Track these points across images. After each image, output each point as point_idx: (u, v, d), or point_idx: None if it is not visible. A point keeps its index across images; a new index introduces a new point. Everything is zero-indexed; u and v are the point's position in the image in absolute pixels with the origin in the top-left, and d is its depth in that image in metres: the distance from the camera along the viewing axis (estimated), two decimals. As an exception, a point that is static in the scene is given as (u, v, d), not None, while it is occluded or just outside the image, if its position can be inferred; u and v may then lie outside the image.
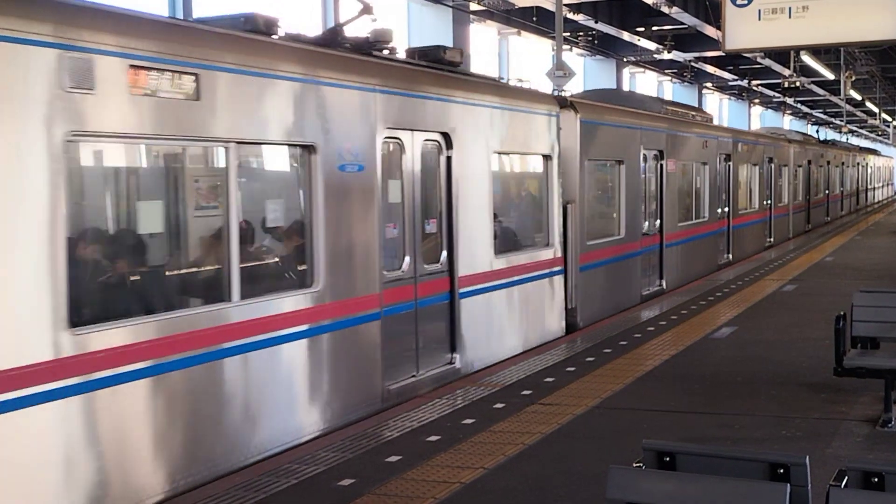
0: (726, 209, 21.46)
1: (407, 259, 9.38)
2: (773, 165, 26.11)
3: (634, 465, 3.86)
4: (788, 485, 3.47)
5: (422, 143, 9.63)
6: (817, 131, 46.02)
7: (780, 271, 19.23)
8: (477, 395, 9.03)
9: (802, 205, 31.03)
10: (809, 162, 31.78)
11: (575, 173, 13.11)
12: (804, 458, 3.63)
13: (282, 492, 6.41)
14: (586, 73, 32.14)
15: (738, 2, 10.96)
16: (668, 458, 3.80)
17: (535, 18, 23.69)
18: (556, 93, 13.38)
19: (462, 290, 10.20)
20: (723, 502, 3.51)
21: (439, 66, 10.50)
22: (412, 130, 9.46)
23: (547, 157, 12.33)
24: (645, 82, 39.17)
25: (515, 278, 11.44)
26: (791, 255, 22.70)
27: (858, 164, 46.56)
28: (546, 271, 12.26)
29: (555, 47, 16.65)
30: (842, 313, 8.09)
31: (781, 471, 3.62)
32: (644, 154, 15.96)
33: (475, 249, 10.52)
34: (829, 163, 36.26)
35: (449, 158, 10.02)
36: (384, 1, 22.30)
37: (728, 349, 11.16)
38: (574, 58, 30.50)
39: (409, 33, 21.88)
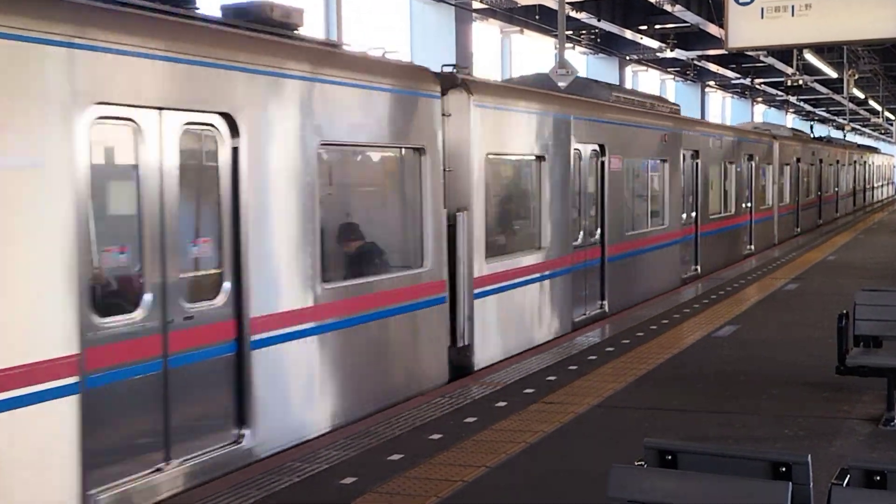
0: (693, 214, 18.99)
1: (147, 298, 6.41)
2: (753, 164, 23.74)
3: (636, 463, 3.86)
4: (790, 483, 3.48)
5: (181, 129, 6.71)
6: (811, 127, 45.24)
7: (782, 270, 19.21)
8: (479, 394, 9.03)
9: (790, 207, 28.76)
10: (798, 160, 29.71)
11: (469, 172, 10.34)
12: (806, 457, 3.63)
13: (284, 489, 6.42)
14: (589, 71, 32.14)
15: (741, 0, 10.95)
16: (669, 457, 3.80)
17: (537, 17, 23.68)
18: (445, 69, 10.72)
19: (259, 337, 7.26)
20: (724, 501, 3.51)
21: (256, 28, 7.81)
22: (160, 109, 6.53)
23: (420, 151, 9.54)
24: (647, 80, 39.19)
25: (356, 315, 8.50)
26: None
27: (855, 162, 44.81)
28: (415, 301, 9.39)
29: (557, 46, 16.64)
30: (844, 312, 8.09)
31: (783, 469, 3.62)
32: (577, 149, 13.24)
33: (285, 279, 7.64)
34: (821, 161, 34.31)
35: (235, 151, 7.12)
36: (387, 0, 22.34)
37: (730, 348, 11.16)
38: (577, 56, 30.52)
39: (412, 32, 21.89)
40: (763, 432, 7.68)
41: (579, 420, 8.09)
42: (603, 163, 14.21)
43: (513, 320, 11.51)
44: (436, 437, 7.59)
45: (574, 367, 10.10)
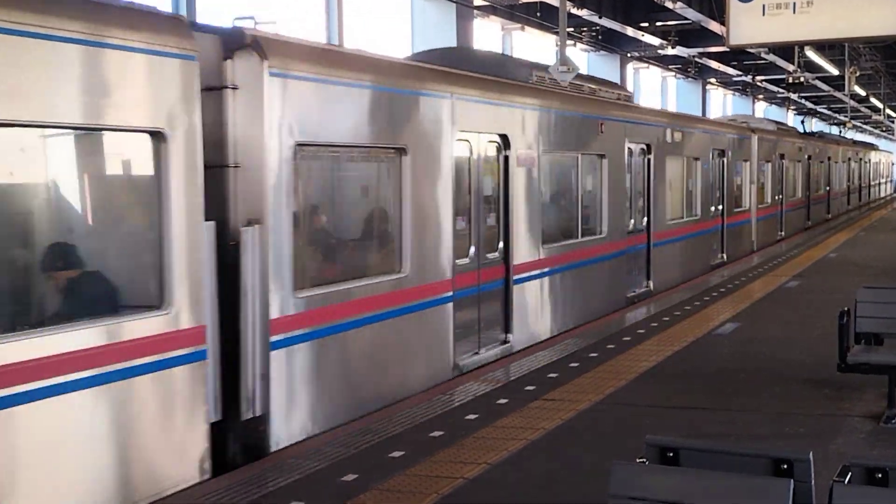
0: (645, 220, 16.13)
1: None
2: (725, 160, 20.92)
3: (638, 460, 3.86)
4: (792, 480, 3.48)
5: None
6: (802, 122, 44.42)
7: (784, 267, 19.21)
8: (480, 391, 9.03)
9: (773, 209, 26.05)
10: (782, 156, 26.98)
11: (266, 169, 7.38)
12: (808, 454, 3.63)
13: (285, 486, 6.42)
14: (590, 68, 32.14)
15: (743, -3, 10.95)
16: (671, 454, 3.80)
17: (538, 14, 23.66)
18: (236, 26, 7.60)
19: None
20: (726, 498, 3.51)
21: None
22: None
23: (158, 137, 6.49)
24: (649, 78, 39.22)
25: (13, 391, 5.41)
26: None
27: (850, 159, 42.33)
28: (144, 362, 6.27)
29: (558, 43, 16.63)
30: (845, 309, 8.09)
31: (785, 466, 3.62)
32: (464, 140, 10.34)
33: None
34: (810, 158, 31.64)
35: None
36: (388, -4, 22.33)
37: (731, 345, 11.16)
38: (578, 53, 30.50)
39: (413, 29, 21.88)
40: (764, 430, 7.68)
41: (580, 417, 8.09)
42: (507, 158, 11.23)
43: (346, 374, 8.35)
44: (437, 434, 7.59)
45: (575, 365, 10.10)
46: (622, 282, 15.01)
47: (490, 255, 11.00)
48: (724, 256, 20.99)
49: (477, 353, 10.64)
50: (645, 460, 3.84)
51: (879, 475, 3.52)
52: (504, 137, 11.21)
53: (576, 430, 7.72)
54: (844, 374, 8.15)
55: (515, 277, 11.37)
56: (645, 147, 16.05)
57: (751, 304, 14.31)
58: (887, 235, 27.60)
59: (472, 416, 8.10)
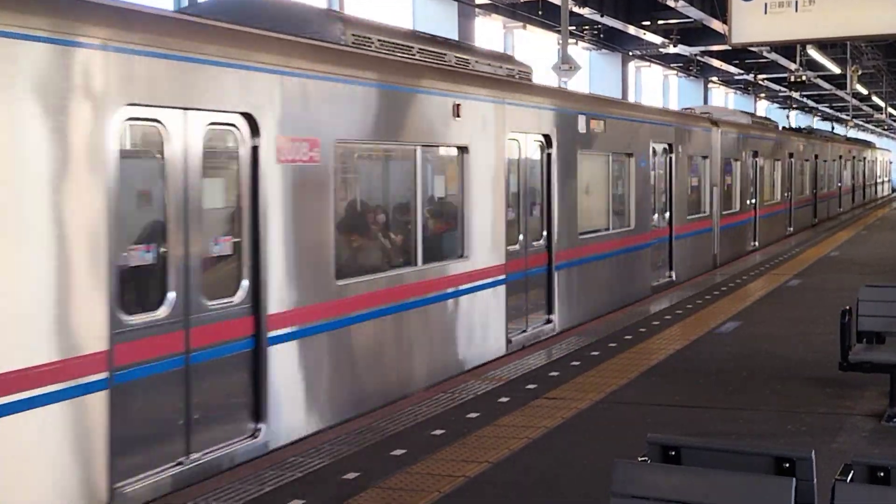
0: (545, 234, 12.42)
1: None
2: (673, 157, 17.25)
3: (639, 459, 3.86)
4: (794, 479, 3.47)
5: None
6: (788, 116, 43.24)
7: (785, 266, 19.21)
8: (482, 389, 9.03)
9: (745, 215, 22.94)
10: (756, 154, 23.84)
11: None
12: (810, 453, 3.63)
13: (287, 485, 6.41)
14: (592, 66, 32.15)
15: (745, -4, 10.95)
16: (672, 453, 3.80)
17: (540, 12, 23.68)
18: None
19: None
20: (728, 496, 3.51)
21: None
22: None
23: None
24: (651, 76, 39.22)
25: None
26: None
27: (841, 157, 39.49)
28: None
29: (560, 41, 16.62)
30: (847, 308, 8.09)
31: (787, 465, 3.62)
32: (150, 121, 6.52)
33: None
34: (791, 155, 28.56)
35: None
36: (390, -6, 22.33)
37: (733, 344, 11.15)
38: (580, 52, 30.52)
39: (414, 27, 21.89)
40: (766, 428, 7.68)
41: (582, 416, 8.09)
42: (256, 150, 7.37)
43: None
44: (438, 432, 7.58)
45: (577, 363, 10.10)
46: (500, 321, 11.15)
47: (217, 303, 7.06)
48: (673, 275, 17.38)
49: (181, 464, 6.65)
50: (646, 459, 3.84)
51: (882, 474, 3.52)
52: (251, 119, 7.34)
53: (577, 429, 7.72)
54: (846, 373, 8.15)
55: (274, 335, 7.50)
56: (542, 139, 12.37)
57: (752, 302, 14.31)
58: (889, 234, 27.61)
59: (473, 415, 8.10)
